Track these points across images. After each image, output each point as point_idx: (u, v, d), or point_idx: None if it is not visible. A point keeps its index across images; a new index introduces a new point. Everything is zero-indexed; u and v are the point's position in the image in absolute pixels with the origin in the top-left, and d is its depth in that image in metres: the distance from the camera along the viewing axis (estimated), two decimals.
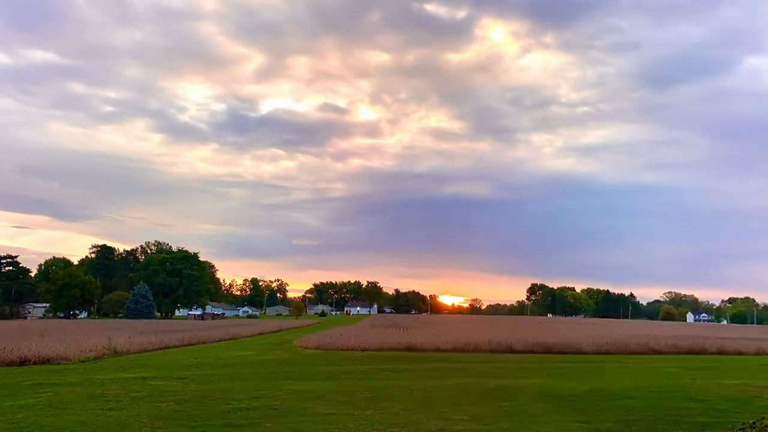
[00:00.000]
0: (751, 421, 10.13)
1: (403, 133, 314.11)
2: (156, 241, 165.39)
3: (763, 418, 10.12)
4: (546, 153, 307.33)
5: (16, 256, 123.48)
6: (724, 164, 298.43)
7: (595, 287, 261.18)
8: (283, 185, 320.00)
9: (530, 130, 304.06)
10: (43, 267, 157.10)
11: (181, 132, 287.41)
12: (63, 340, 31.58)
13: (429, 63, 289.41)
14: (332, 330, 53.30)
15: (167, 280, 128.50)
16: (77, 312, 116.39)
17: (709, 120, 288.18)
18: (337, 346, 34.05)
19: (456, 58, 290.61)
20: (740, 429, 9.97)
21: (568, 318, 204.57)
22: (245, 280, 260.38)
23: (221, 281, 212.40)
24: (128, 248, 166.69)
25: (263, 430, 11.34)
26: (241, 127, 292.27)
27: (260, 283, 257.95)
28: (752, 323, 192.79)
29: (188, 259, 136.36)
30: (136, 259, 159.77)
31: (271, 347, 36.07)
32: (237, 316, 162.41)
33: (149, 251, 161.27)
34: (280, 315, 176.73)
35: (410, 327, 59.57)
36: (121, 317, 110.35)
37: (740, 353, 36.78)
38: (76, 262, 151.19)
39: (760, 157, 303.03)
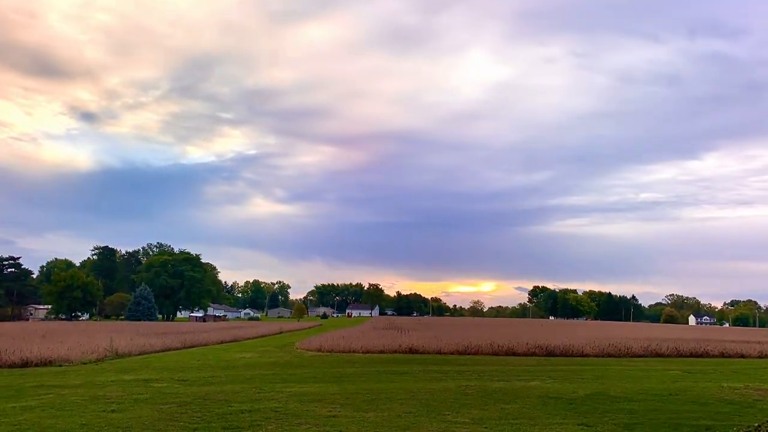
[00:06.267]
0: (755, 425, 10.08)
1: None
2: (158, 243, 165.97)
3: (767, 422, 10.07)
4: None
5: (19, 258, 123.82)
6: None
7: (596, 289, 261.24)
8: None
9: None
10: (45, 269, 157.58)
11: None
12: (65, 342, 31.56)
13: None
14: (334, 332, 53.22)
15: (169, 281, 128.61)
16: (79, 314, 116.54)
17: None
18: (338, 348, 33.94)
19: None
20: None
21: (570, 320, 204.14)
22: (247, 281, 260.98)
23: (223, 283, 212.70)
24: (130, 250, 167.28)
25: None
26: None
27: (262, 285, 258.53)
28: (755, 326, 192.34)
29: (190, 260, 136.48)
30: (138, 261, 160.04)
31: (273, 349, 36.03)
32: (239, 318, 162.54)
33: (151, 253, 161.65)
34: (282, 317, 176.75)
35: (412, 329, 59.37)
36: (122, 319, 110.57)
37: (742, 356, 36.57)
38: (78, 264, 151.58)
39: None
